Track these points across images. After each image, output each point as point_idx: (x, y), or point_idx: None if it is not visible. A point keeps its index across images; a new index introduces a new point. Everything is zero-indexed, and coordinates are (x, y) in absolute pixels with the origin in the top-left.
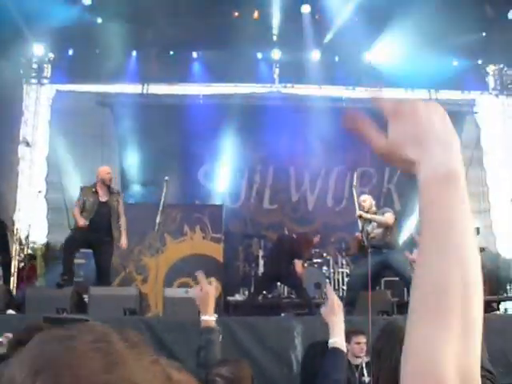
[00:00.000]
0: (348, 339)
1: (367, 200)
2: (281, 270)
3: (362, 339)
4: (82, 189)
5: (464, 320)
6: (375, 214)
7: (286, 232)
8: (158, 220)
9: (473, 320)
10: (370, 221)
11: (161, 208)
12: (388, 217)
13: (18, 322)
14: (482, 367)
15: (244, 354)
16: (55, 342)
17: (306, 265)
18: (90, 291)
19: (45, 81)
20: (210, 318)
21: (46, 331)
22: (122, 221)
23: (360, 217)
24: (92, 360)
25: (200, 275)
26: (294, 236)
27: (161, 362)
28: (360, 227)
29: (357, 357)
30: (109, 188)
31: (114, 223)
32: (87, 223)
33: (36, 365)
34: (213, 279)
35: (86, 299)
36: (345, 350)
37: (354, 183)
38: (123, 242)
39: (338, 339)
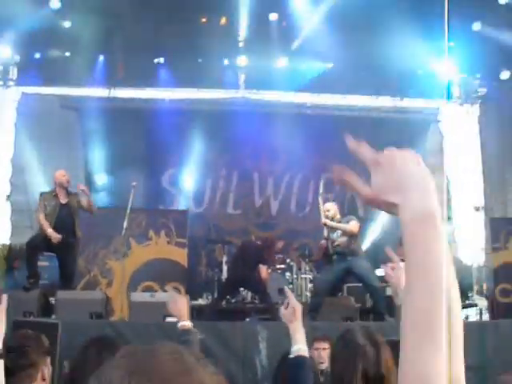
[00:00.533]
0: (309, 345)
1: (331, 209)
2: (245, 275)
3: (323, 345)
4: (41, 194)
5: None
6: (340, 221)
7: (253, 238)
8: (125, 225)
9: (456, 336)
10: (335, 229)
11: (128, 213)
12: (353, 225)
13: None
14: None
15: (208, 356)
16: (141, 352)
17: (269, 270)
18: (57, 295)
19: (10, 83)
20: (186, 322)
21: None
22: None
23: (325, 225)
24: (172, 366)
25: (172, 287)
26: (259, 242)
27: (218, 373)
28: (325, 235)
29: (319, 362)
30: (67, 190)
31: (76, 223)
32: (60, 237)
33: (130, 367)
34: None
35: (53, 301)
36: (308, 355)
37: (320, 191)
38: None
39: (301, 346)
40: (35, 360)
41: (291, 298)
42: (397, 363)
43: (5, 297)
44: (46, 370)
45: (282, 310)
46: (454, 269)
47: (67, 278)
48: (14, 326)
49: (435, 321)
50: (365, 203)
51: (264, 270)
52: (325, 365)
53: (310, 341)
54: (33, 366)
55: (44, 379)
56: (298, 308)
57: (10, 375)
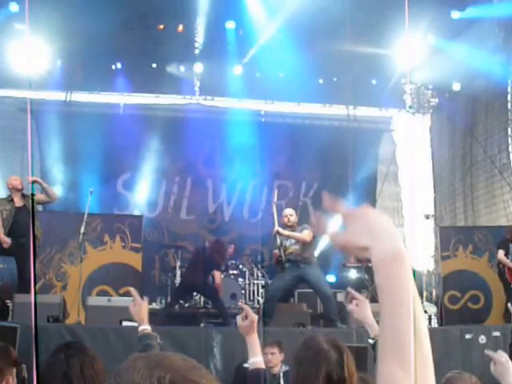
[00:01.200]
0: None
1: (293, 214)
2: (198, 280)
3: (272, 350)
4: None
5: (420, 355)
6: (294, 229)
7: (206, 243)
8: (82, 230)
9: (426, 354)
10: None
11: (85, 218)
12: (306, 234)
13: None
14: None
15: None
16: (153, 355)
17: (223, 276)
18: (15, 298)
19: None
20: (147, 327)
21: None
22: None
23: (277, 233)
24: (184, 363)
25: (133, 292)
26: (209, 245)
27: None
28: (278, 242)
29: (270, 367)
30: (22, 193)
31: (35, 225)
32: (9, 242)
33: (149, 364)
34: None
35: (9, 304)
36: (264, 366)
37: (275, 199)
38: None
39: (258, 359)
40: (2, 370)
41: (248, 310)
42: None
43: None
44: (11, 380)
45: (239, 321)
46: (418, 298)
47: (25, 281)
48: None
49: (404, 343)
50: (338, 248)
51: (218, 276)
52: (276, 369)
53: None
54: None
55: None
56: (255, 320)
57: None
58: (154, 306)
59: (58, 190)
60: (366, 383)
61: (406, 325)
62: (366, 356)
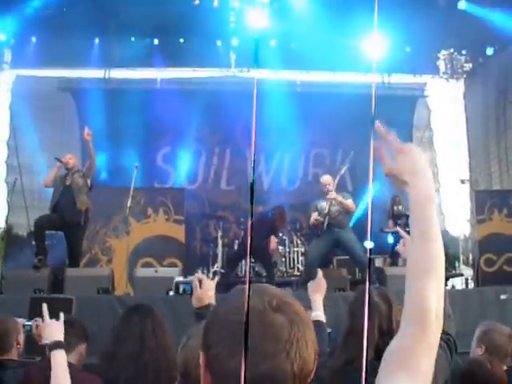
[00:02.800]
0: None
1: (331, 183)
2: (257, 246)
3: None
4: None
5: (439, 277)
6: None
7: (260, 208)
8: (128, 204)
9: (442, 276)
10: (335, 203)
11: (131, 192)
12: (351, 202)
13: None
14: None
15: None
16: (258, 286)
17: (277, 241)
18: (66, 272)
19: (5, 66)
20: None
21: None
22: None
23: (333, 198)
24: (281, 292)
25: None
26: (272, 211)
27: None
28: (326, 209)
29: None
30: (72, 172)
31: (79, 201)
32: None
33: (259, 292)
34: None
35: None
36: (324, 321)
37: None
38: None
39: (319, 312)
40: (75, 342)
41: (320, 276)
42: None
43: (62, 315)
44: (84, 351)
45: (311, 282)
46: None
47: (74, 256)
48: (31, 302)
49: (430, 264)
50: (386, 174)
51: (273, 241)
52: None
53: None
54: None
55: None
56: (324, 285)
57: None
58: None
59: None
60: None
61: (430, 251)
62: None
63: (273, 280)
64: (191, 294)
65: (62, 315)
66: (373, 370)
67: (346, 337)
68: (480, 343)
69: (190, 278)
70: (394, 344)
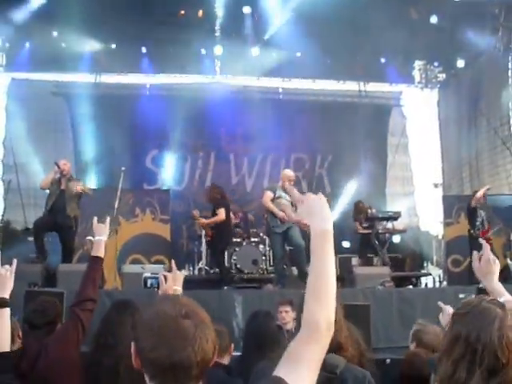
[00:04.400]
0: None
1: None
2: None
3: (286, 308)
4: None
5: (330, 299)
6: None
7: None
8: (116, 205)
9: (332, 297)
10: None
11: (119, 194)
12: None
13: None
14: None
15: None
16: (174, 297)
17: (239, 240)
18: (59, 268)
19: (0, 69)
20: (178, 288)
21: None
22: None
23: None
24: (192, 303)
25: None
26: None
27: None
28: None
29: (283, 323)
30: (68, 178)
31: (70, 207)
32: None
33: (173, 301)
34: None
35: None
36: None
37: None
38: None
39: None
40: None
41: (487, 250)
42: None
43: (15, 261)
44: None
45: (476, 264)
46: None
47: (66, 253)
48: (26, 296)
49: (324, 288)
50: (294, 222)
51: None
52: (289, 325)
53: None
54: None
55: None
56: (495, 260)
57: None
58: (183, 272)
59: (90, 167)
60: (353, 330)
61: (326, 278)
62: (369, 313)
63: (224, 276)
64: (158, 287)
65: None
66: None
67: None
68: (413, 339)
69: (157, 274)
70: (292, 343)
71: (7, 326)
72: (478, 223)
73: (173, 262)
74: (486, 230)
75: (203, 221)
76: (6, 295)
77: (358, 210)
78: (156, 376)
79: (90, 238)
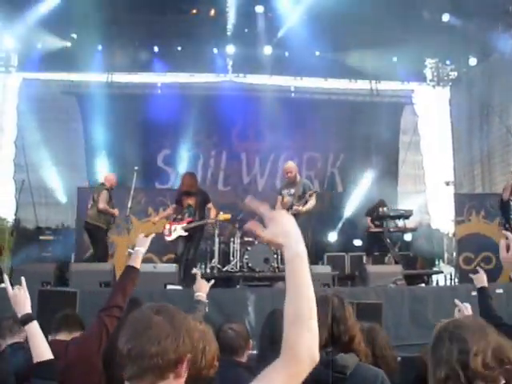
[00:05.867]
0: None
1: (292, 171)
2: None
3: None
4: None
5: (310, 325)
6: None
7: None
8: (129, 205)
9: (314, 323)
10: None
11: (132, 194)
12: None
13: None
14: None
15: (205, 319)
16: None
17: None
18: (71, 267)
19: (11, 69)
20: (202, 294)
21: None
22: None
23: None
24: (175, 310)
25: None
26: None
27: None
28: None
29: None
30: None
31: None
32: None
33: (155, 308)
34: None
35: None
36: None
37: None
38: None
39: None
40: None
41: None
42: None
43: (23, 278)
44: None
45: (504, 253)
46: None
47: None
48: (39, 295)
49: (302, 313)
50: (262, 241)
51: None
52: None
53: None
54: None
55: None
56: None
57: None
58: (195, 271)
59: (101, 166)
60: (375, 331)
61: (306, 303)
62: (380, 311)
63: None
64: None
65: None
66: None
67: None
68: None
69: None
70: (268, 369)
71: (41, 336)
72: (511, 215)
73: (197, 272)
74: None
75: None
76: (29, 310)
77: (376, 207)
78: (122, 366)
79: (130, 250)
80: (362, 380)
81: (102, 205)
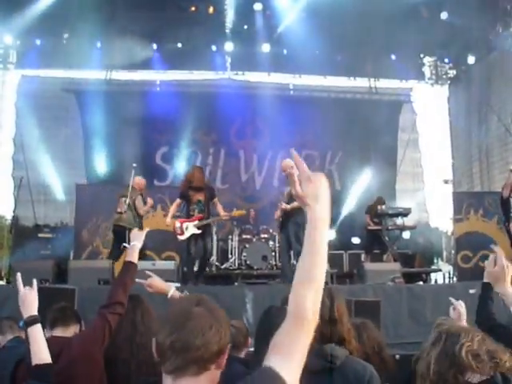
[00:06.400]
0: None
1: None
2: None
3: None
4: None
5: (318, 288)
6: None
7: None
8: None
9: (321, 285)
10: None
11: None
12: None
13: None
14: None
15: None
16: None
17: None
18: (69, 264)
19: (10, 66)
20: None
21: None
22: None
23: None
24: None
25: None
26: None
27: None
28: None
29: None
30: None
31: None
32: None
33: (196, 298)
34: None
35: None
36: None
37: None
38: None
39: None
40: (69, 324)
41: (501, 255)
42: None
43: (35, 281)
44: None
45: (490, 267)
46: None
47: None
48: (38, 292)
49: (313, 274)
50: (294, 196)
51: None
52: None
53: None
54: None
55: None
56: (509, 266)
57: None
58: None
59: (100, 163)
60: (366, 327)
61: (320, 263)
62: (378, 309)
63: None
64: None
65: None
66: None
67: None
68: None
69: None
70: (277, 333)
71: (43, 339)
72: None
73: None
74: None
75: None
76: (35, 312)
77: (374, 204)
78: (162, 359)
79: (125, 244)
80: (352, 371)
81: (142, 211)
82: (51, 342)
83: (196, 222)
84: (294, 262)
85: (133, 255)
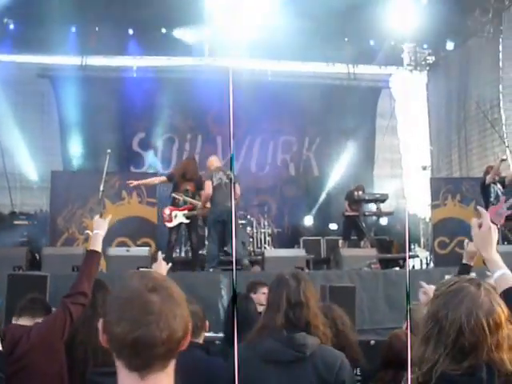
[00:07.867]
0: (254, 290)
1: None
2: None
3: (265, 289)
4: None
5: None
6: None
7: None
8: (101, 188)
9: None
10: None
11: (104, 177)
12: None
13: None
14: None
15: None
16: (144, 272)
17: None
18: (43, 251)
19: None
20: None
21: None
22: None
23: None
24: (161, 277)
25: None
26: None
27: None
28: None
29: (261, 305)
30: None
31: None
32: None
33: (142, 275)
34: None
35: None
36: None
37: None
38: None
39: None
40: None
41: (487, 217)
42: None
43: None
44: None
45: (476, 230)
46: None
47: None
48: (9, 279)
49: None
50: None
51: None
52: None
53: (254, 286)
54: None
55: None
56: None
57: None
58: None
59: (76, 150)
60: (331, 310)
61: None
62: (354, 294)
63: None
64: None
65: None
66: None
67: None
68: (405, 319)
69: None
70: None
71: None
72: (491, 199)
73: (159, 253)
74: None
75: None
76: None
77: (353, 191)
78: (120, 353)
79: (88, 231)
80: (322, 361)
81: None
82: (12, 330)
83: (186, 212)
84: None
85: (95, 244)
